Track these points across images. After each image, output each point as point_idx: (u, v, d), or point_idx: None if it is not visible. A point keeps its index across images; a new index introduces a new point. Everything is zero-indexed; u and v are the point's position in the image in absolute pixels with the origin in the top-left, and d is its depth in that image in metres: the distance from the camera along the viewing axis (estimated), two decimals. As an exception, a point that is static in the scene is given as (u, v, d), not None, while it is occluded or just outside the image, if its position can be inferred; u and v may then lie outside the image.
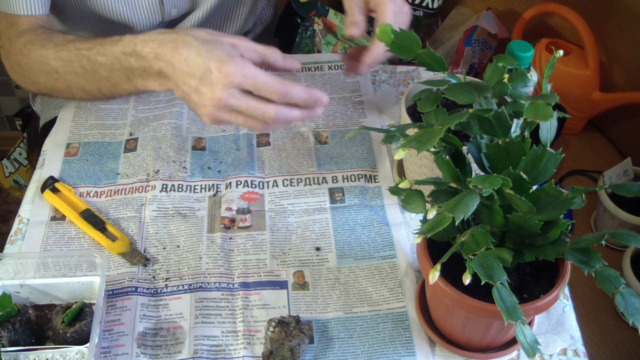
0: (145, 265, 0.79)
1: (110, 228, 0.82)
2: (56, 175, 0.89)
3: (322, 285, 0.77)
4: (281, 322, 0.69)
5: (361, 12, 0.87)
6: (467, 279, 0.55)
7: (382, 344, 0.71)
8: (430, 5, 1.43)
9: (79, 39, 0.84)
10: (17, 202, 0.89)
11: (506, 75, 0.63)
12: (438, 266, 0.57)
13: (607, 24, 1.27)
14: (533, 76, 0.87)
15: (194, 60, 0.71)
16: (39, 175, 0.90)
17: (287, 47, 1.27)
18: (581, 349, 0.72)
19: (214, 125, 0.76)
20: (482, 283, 0.54)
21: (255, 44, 0.77)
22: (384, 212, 0.85)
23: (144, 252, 0.80)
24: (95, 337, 0.65)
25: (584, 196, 0.59)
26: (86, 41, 0.82)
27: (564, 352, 0.72)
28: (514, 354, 0.71)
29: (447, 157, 0.61)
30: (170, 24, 1.10)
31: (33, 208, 0.86)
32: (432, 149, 0.60)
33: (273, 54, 0.77)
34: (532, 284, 0.63)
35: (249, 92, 0.72)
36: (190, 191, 0.88)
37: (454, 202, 0.54)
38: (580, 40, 1.25)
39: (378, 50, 0.86)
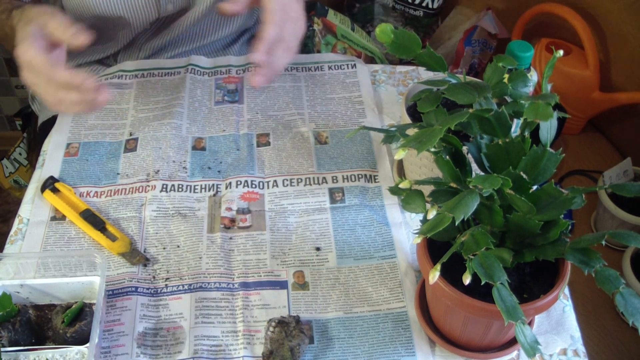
0: (145, 265, 0.79)
1: (110, 228, 0.82)
2: (56, 175, 0.89)
3: (322, 285, 0.77)
4: (281, 322, 0.69)
5: None
6: (467, 279, 0.55)
7: (382, 344, 0.71)
8: (430, 5, 1.43)
9: (14, 8, 0.92)
10: (17, 202, 0.89)
11: (506, 75, 0.63)
12: (438, 266, 0.57)
13: (607, 24, 1.27)
14: (533, 76, 0.87)
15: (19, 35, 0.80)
16: (39, 175, 0.90)
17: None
18: (581, 349, 0.72)
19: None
20: (482, 283, 0.54)
21: (62, 20, 0.79)
22: (384, 212, 0.85)
23: (144, 252, 0.80)
24: (95, 337, 0.65)
25: (584, 196, 0.59)
26: (8, 10, 0.92)
27: (564, 352, 0.72)
28: (514, 354, 0.71)
29: (447, 157, 0.61)
30: (167, 19, 1.10)
31: (33, 208, 0.86)
32: (432, 149, 0.60)
33: (62, 32, 0.79)
34: (532, 284, 0.63)
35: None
36: (190, 191, 0.88)
37: (454, 202, 0.54)
38: (580, 40, 1.25)
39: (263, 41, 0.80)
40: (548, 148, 0.58)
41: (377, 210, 0.85)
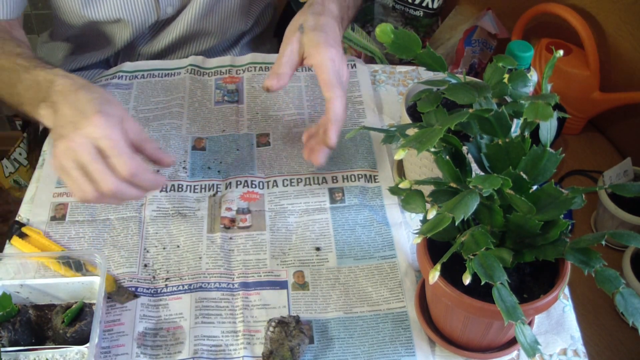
0: (135, 296, 0.76)
1: (91, 269, 0.77)
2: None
3: (322, 285, 0.77)
4: (281, 322, 0.69)
5: (290, 65, 0.82)
6: (467, 279, 0.55)
7: (382, 344, 0.71)
8: (430, 5, 1.43)
9: (25, 55, 0.82)
10: (17, 202, 0.89)
11: (506, 75, 0.63)
12: (438, 266, 0.57)
13: (607, 24, 1.27)
14: (533, 76, 0.87)
15: (83, 104, 0.70)
16: (39, 175, 0.90)
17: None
18: (581, 349, 0.72)
19: (59, 171, 0.71)
20: (482, 283, 0.54)
21: (140, 129, 0.73)
22: (384, 212, 0.85)
23: (144, 251, 0.80)
24: (95, 337, 0.65)
25: (584, 196, 0.59)
26: (29, 59, 0.81)
27: (564, 352, 0.72)
28: (514, 354, 0.71)
29: (447, 157, 0.61)
30: (166, 22, 1.10)
31: (33, 208, 0.86)
32: (432, 149, 0.60)
33: (150, 144, 0.74)
34: (532, 284, 0.63)
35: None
36: (190, 191, 0.88)
37: (454, 202, 0.54)
38: (580, 40, 1.25)
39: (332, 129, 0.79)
40: (548, 148, 0.58)
41: (377, 210, 0.85)
